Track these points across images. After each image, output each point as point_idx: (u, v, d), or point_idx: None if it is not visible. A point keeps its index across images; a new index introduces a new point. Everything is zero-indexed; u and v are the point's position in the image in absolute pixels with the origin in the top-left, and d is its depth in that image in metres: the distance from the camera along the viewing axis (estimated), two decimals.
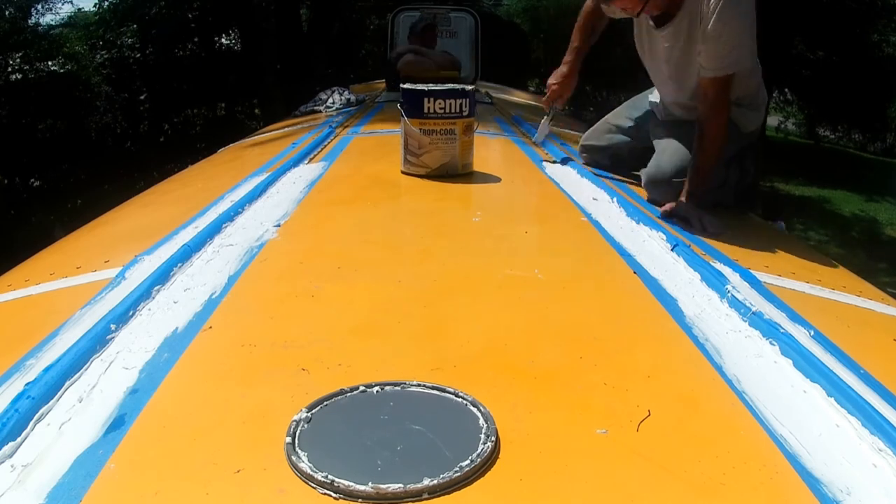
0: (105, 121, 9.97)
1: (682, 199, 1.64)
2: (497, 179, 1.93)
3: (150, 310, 1.00)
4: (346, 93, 3.91)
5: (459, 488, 0.62)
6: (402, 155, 1.90)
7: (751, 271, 1.22)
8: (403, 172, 1.91)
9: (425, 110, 1.83)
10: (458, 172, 1.88)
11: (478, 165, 1.96)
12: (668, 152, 1.78)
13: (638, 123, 2.04)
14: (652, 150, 1.90)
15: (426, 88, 1.86)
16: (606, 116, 2.19)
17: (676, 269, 1.22)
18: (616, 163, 2.09)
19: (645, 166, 1.91)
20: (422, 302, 1.07)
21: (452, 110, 1.84)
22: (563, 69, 2.11)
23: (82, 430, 0.71)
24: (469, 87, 1.92)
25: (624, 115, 2.13)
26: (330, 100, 3.81)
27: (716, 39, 1.60)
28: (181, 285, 1.09)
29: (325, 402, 0.74)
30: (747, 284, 1.15)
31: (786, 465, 0.68)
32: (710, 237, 1.49)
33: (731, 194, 1.84)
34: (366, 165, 2.17)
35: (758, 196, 2.03)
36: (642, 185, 1.84)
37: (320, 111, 3.72)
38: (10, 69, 9.62)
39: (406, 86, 1.89)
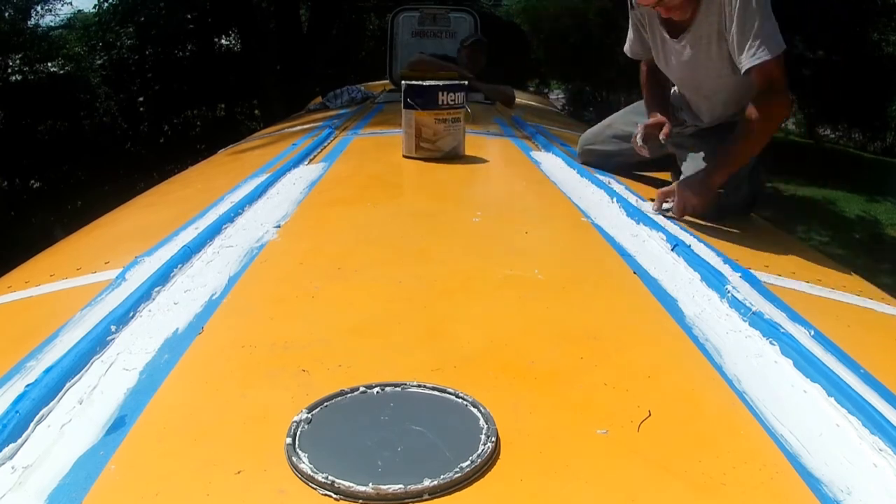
0: (105, 122, 9.97)
1: (701, 188, 1.59)
2: (497, 179, 1.93)
3: (150, 311, 1.00)
4: (355, 91, 3.93)
5: (460, 489, 0.62)
6: (414, 143, 2.10)
7: (751, 271, 1.22)
8: (414, 158, 2.10)
9: (440, 102, 2.08)
10: (460, 154, 2.13)
11: (478, 165, 1.97)
12: (697, 162, 1.74)
13: (650, 132, 1.99)
14: (664, 159, 1.89)
15: (441, 83, 2.11)
16: (609, 121, 2.15)
17: (676, 269, 1.22)
18: (621, 169, 2.07)
19: (656, 170, 1.92)
20: (422, 302, 1.07)
21: (459, 101, 2.11)
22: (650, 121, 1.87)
23: (83, 432, 0.71)
24: (464, 82, 2.23)
25: (630, 121, 2.06)
26: (339, 100, 3.87)
27: (751, 29, 1.56)
28: (181, 286, 1.09)
29: (325, 403, 0.74)
30: (747, 284, 1.15)
31: (786, 465, 0.68)
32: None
33: (741, 204, 1.83)
34: (366, 166, 2.17)
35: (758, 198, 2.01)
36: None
37: (328, 106, 3.83)
38: (9, 70, 9.63)
39: (427, 83, 2.12)
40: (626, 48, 1.96)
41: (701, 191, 1.61)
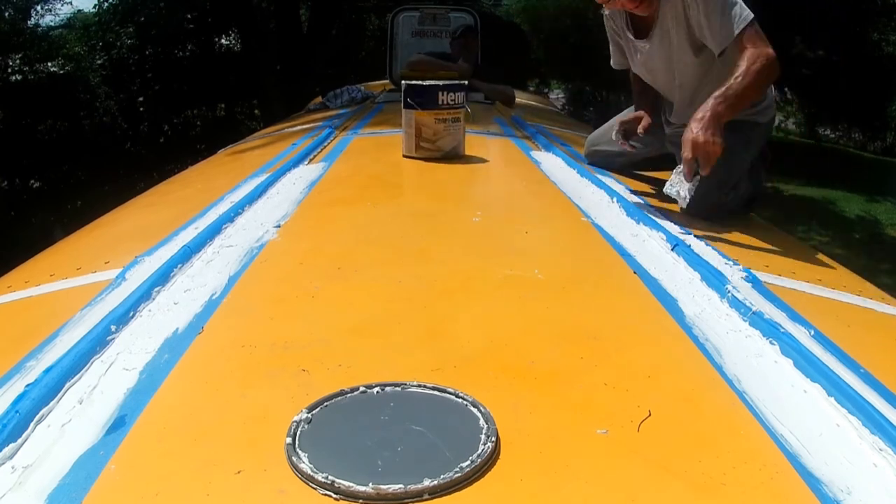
0: (105, 122, 9.96)
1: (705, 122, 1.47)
2: (497, 179, 1.93)
3: (150, 311, 1.00)
4: (355, 91, 3.93)
5: (460, 489, 0.62)
6: (414, 142, 2.10)
7: (751, 271, 1.22)
8: (414, 157, 2.10)
9: (440, 102, 2.08)
10: (460, 154, 2.13)
11: (478, 165, 1.97)
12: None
13: (651, 130, 1.99)
14: (668, 157, 1.89)
15: (441, 83, 2.11)
16: (613, 121, 2.14)
17: (676, 269, 1.22)
18: (626, 168, 2.09)
19: (657, 169, 1.91)
20: (422, 302, 1.07)
21: (459, 101, 2.11)
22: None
23: (83, 432, 0.71)
24: (464, 82, 2.23)
25: None
26: (338, 100, 3.87)
27: (715, 13, 1.58)
28: (181, 286, 1.09)
29: (325, 403, 0.74)
30: (747, 284, 1.15)
31: (786, 465, 0.68)
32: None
33: (740, 202, 1.82)
34: (366, 166, 2.17)
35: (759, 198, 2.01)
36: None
37: (328, 106, 3.85)
38: (9, 70, 9.62)
39: (427, 83, 2.12)
40: (612, 61, 2.02)
41: (710, 124, 1.48)
